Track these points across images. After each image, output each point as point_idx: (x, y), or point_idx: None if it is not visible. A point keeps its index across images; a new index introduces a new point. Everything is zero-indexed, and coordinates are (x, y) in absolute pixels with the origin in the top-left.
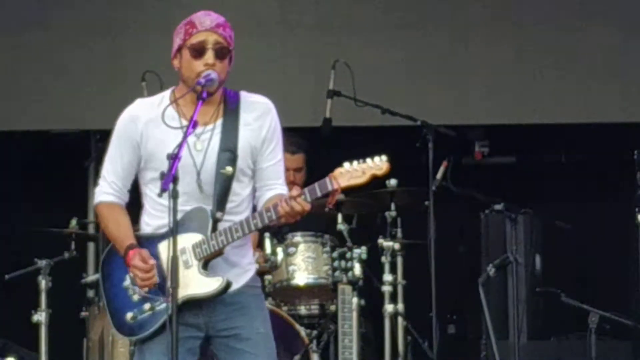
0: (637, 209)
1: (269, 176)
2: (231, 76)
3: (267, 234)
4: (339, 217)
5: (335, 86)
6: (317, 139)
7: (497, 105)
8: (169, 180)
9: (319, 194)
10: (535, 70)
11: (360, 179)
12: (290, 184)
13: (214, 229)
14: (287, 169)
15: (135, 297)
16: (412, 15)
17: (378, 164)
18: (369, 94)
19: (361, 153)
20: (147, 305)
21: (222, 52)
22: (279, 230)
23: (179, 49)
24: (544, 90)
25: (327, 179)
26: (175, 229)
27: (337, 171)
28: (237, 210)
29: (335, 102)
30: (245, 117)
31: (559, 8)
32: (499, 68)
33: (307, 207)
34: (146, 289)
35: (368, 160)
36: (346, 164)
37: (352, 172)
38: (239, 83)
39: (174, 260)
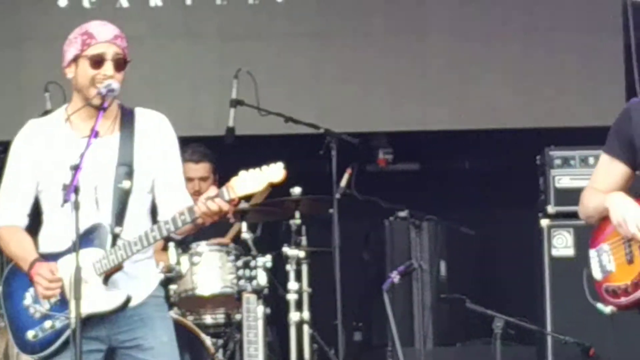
0: (540, 214)
1: (168, 188)
2: (136, 86)
3: (171, 243)
4: (244, 226)
5: (239, 95)
6: (225, 148)
7: (401, 112)
8: (71, 191)
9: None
10: (437, 77)
11: (257, 187)
12: (196, 193)
13: (113, 243)
14: (191, 179)
15: (37, 315)
16: (315, 24)
17: (274, 171)
18: (273, 102)
19: (264, 162)
20: (48, 323)
21: (120, 64)
22: (184, 239)
23: (75, 59)
24: (447, 97)
25: (223, 189)
26: (77, 241)
27: (233, 180)
28: (137, 224)
29: (239, 111)
30: (141, 131)
31: (461, 18)
32: (402, 76)
33: (225, 206)
34: (47, 306)
35: (264, 167)
36: (242, 173)
37: (248, 180)
38: (143, 94)
39: (77, 270)
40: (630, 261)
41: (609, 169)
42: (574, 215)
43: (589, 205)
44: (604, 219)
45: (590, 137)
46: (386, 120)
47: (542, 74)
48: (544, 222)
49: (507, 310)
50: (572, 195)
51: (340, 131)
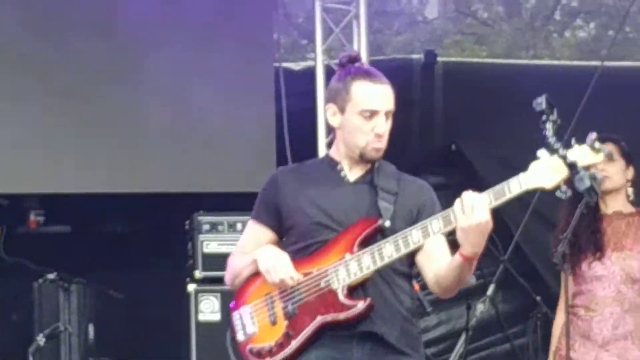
0: (187, 279)
1: None
2: None
3: None
4: None
5: None
6: None
7: (54, 173)
8: None
9: None
10: (91, 140)
11: None
12: None
13: None
14: None
15: None
16: None
17: None
18: None
19: None
20: None
21: None
22: None
23: None
24: (100, 160)
25: None
26: None
27: None
28: None
29: None
30: None
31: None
32: (55, 137)
33: None
34: None
35: None
36: None
37: None
38: None
39: None
40: (274, 322)
41: (256, 235)
42: (221, 280)
43: (237, 265)
44: (249, 280)
45: (239, 203)
46: (38, 181)
47: (193, 139)
48: (191, 287)
49: None
50: (220, 261)
51: None
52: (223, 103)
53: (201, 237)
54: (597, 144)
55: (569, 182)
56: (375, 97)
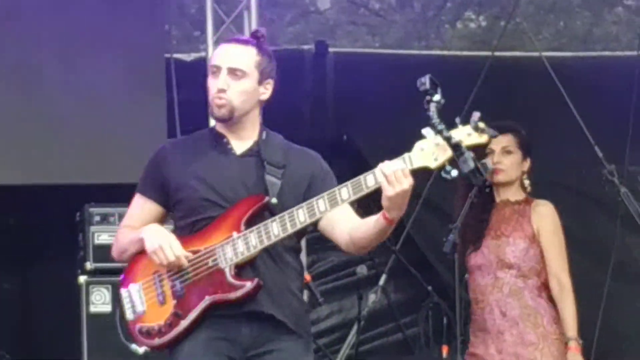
0: (79, 271)
1: None
2: None
3: None
4: None
5: None
6: None
7: None
8: None
9: None
10: None
11: None
12: None
13: None
14: None
15: None
16: None
17: None
18: None
19: None
20: None
21: None
22: None
23: None
24: None
25: None
26: None
27: None
28: None
29: None
30: None
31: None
32: None
33: None
34: None
35: None
36: None
37: None
38: None
39: None
40: (163, 302)
41: (142, 209)
42: (112, 272)
43: (124, 241)
44: (136, 256)
45: (130, 194)
46: None
47: (83, 130)
48: (82, 279)
49: None
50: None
51: None
52: (114, 94)
53: (92, 228)
54: (481, 124)
55: (454, 162)
56: (220, 53)
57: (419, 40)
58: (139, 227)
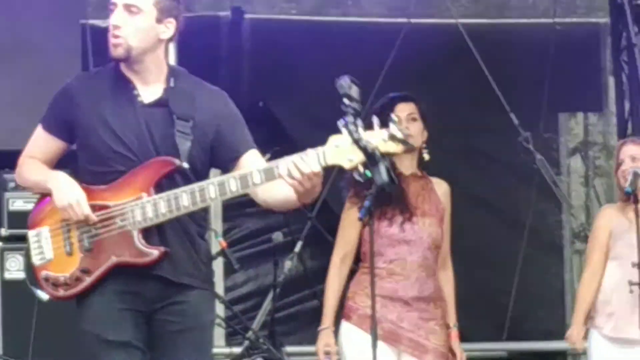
0: None
1: None
2: None
3: None
4: None
5: None
6: None
7: None
8: None
9: None
10: None
11: None
12: None
13: None
14: None
15: None
16: None
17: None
18: None
19: None
20: None
21: None
22: None
23: None
24: None
25: None
26: None
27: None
28: None
29: None
30: None
31: None
32: None
33: None
34: None
35: None
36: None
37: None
38: None
39: None
40: (70, 253)
41: (47, 144)
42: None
43: (29, 177)
44: (43, 199)
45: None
46: None
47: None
48: None
49: None
50: (26, 218)
51: None
52: (29, 59)
53: (7, 194)
54: (398, 134)
55: (367, 165)
56: None
57: (336, 7)
58: (42, 160)
